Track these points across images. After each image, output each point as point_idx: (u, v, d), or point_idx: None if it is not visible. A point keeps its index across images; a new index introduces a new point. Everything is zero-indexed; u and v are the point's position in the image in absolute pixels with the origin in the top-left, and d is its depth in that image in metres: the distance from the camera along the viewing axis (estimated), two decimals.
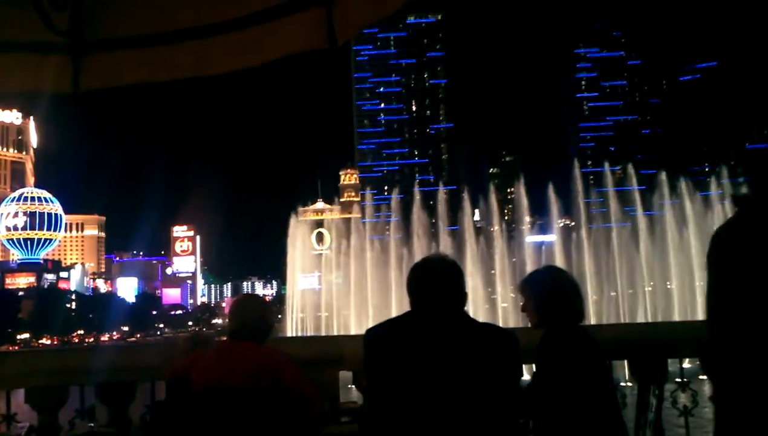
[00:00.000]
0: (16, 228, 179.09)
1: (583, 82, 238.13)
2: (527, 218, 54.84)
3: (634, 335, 5.85)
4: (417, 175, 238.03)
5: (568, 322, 4.06)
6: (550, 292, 4.11)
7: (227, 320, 4.61)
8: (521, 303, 4.29)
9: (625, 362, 5.57)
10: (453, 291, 3.58)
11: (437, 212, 59.94)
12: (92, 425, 5.37)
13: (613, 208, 48.01)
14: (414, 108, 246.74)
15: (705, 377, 5.27)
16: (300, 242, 61.17)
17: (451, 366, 3.35)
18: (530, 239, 51.73)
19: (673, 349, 5.57)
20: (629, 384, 5.92)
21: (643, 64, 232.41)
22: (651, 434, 4.87)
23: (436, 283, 3.57)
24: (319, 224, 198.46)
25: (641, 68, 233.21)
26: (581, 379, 3.89)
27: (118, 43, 4.32)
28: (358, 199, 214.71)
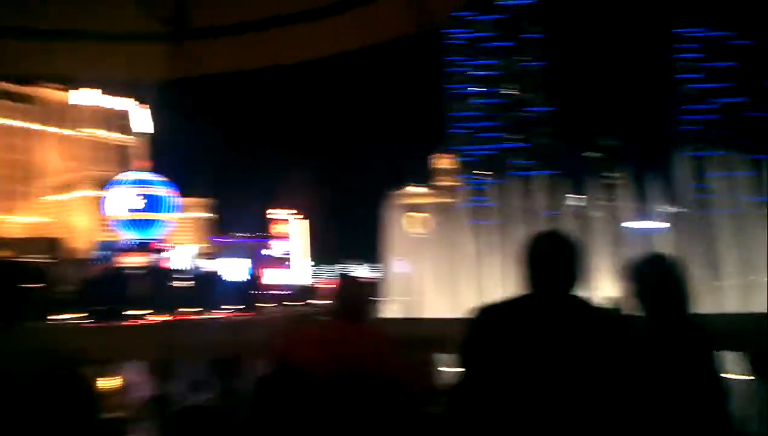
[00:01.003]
0: (130, 209, 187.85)
1: (687, 64, 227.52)
2: (629, 204, 53.16)
3: (749, 325, 5.61)
4: (513, 159, 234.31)
5: (674, 310, 3.95)
6: (656, 279, 3.99)
7: (331, 301, 4.73)
8: (623, 291, 4.17)
9: (742, 354, 5.35)
10: (569, 269, 3.39)
11: (534, 198, 58.75)
12: (202, 396, 5.63)
13: (721, 194, 45.79)
14: (510, 91, 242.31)
15: None
16: (395, 226, 61.45)
17: (560, 349, 3.18)
18: (632, 225, 50.11)
19: None
20: (748, 377, 5.69)
21: (756, 44, 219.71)
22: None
23: (550, 259, 3.38)
24: (414, 207, 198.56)
25: (751, 49, 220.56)
26: (686, 369, 3.79)
27: (220, 31, 4.50)
28: (453, 183, 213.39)
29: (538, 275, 3.38)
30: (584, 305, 3.36)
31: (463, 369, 3.34)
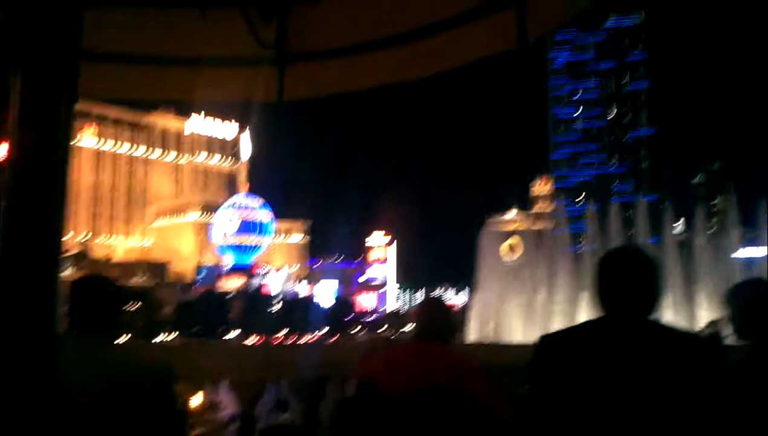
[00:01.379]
0: (229, 234, 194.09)
1: None
2: (736, 231, 50.74)
3: None
4: (615, 184, 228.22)
5: None
6: (757, 304, 3.80)
7: (414, 323, 4.69)
8: (725, 318, 4.01)
9: None
10: (647, 290, 3.06)
11: (636, 224, 57.09)
12: (286, 416, 5.67)
13: None
14: (613, 113, 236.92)
15: None
16: (489, 252, 60.89)
17: (636, 378, 2.84)
18: (739, 253, 47.74)
19: None
20: None
21: None
22: None
23: (625, 279, 3.06)
24: (510, 234, 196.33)
25: None
26: None
27: (320, 54, 4.57)
28: (550, 209, 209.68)
29: (612, 296, 3.06)
30: (665, 329, 3.04)
31: (529, 400, 3.04)
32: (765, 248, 45.88)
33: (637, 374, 2.84)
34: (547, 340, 3.12)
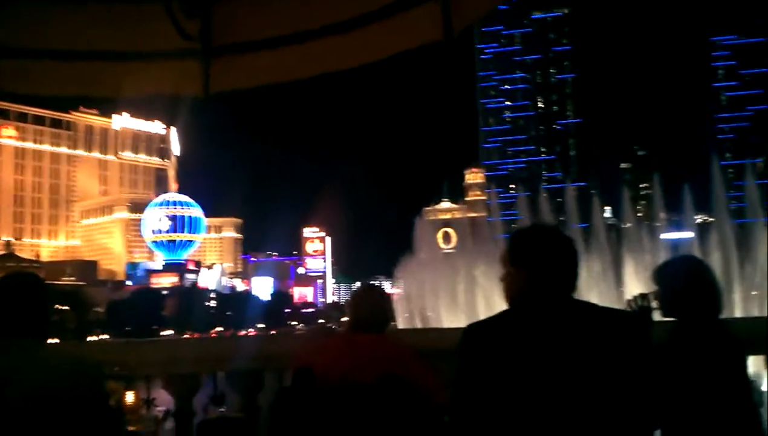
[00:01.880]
0: (160, 231, 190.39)
1: (720, 71, 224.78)
2: (662, 215, 52.48)
3: None
4: (544, 172, 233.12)
5: (704, 314, 3.84)
6: (686, 281, 3.88)
7: (347, 312, 4.68)
8: (653, 294, 4.02)
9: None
10: (571, 269, 2.95)
11: (566, 210, 58.51)
12: (223, 410, 5.64)
13: (756, 202, 45.07)
14: (540, 104, 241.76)
15: None
16: (426, 242, 61.32)
17: (566, 358, 2.77)
18: (665, 236, 49.44)
19: None
20: None
21: None
22: None
23: (546, 256, 2.94)
24: (445, 223, 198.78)
25: None
26: (716, 373, 3.68)
27: (245, 47, 4.54)
28: (484, 197, 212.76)
29: (537, 277, 2.93)
30: (590, 307, 2.96)
31: (460, 388, 2.94)
32: (691, 232, 47.61)
33: (566, 354, 2.79)
34: (474, 327, 3.00)
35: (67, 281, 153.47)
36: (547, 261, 2.95)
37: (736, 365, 3.76)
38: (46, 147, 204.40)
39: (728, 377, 3.70)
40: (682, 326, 3.86)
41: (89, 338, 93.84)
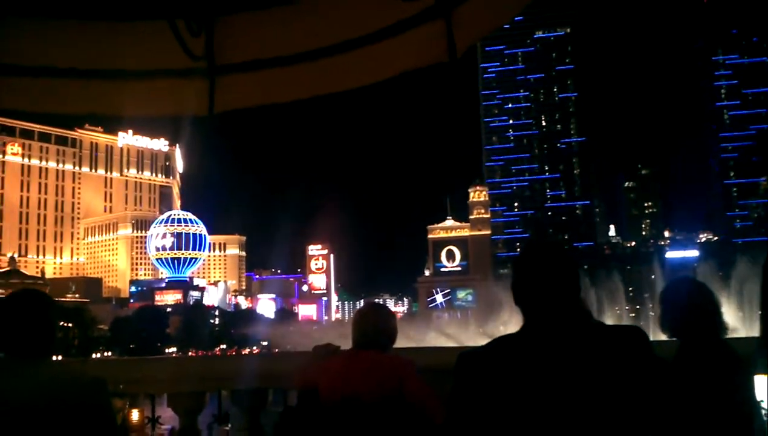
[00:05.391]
0: (164, 248, 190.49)
1: (723, 91, 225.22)
2: (666, 233, 52.56)
3: None
4: (548, 190, 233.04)
5: (707, 334, 3.92)
6: (689, 302, 3.99)
7: (352, 330, 4.66)
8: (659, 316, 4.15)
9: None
10: (566, 287, 2.83)
11: (570, 228, 58.38)
12: (227, 428, 5.62)
13: (760, 220, 45.18)
14: (543, 123, 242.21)
15: None
16: (430, 260, 61.23)
17: (571, 383, 2.65)
18: (670, 254, 49.44)
19: None
20: None
21: None
22: None
23: (541, 279, 2.82)
24: (450, 241, 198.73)
25: None
26: (720, 392, 3.71)
27: (249, 66, 4.56)
28: (487, 216, 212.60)
29: (529, 297, 2.84)
30: (588, 326, 2.86)
31: (454, 414, 2.84)
32: (695, 250, 47.54)
33: (563, 380, 2.68)
34: (468, 353, 2.87)
35: (71, 298, 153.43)
36: (540, 285, 2.83)
37: (739, 384, 3.79)
38: (51, 164, 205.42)
39: (730, 395, 3.73)
40: (686, 345, 3.94)
41: (93, 356, 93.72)
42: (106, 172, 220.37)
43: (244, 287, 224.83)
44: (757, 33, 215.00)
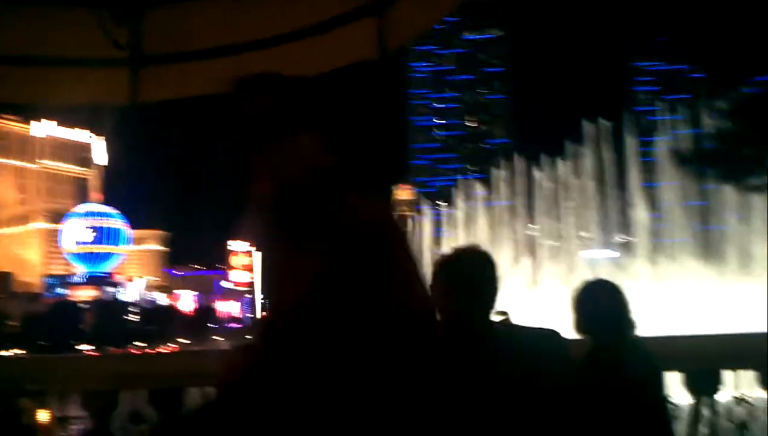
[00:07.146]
0: (84, 242, 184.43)
1: (642, 96, 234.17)
2: (582, 233, 54.13)
3: (688, 347, 5.72)
4: (473, 190, 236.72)
5: (617, 334, 3.99)
6: (599, 303, 4.06)
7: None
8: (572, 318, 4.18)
9: (679, 374, 5.42)
10: (485, 293, 2.83)
11: (493, 227, 59.49)
12: (141, 428, 5.49)
13: (673, 222, 47.01)
14: (470, 123, 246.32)
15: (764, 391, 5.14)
16: None
17: (483, 385, 2.64)
18: (586, 254, 50.96)
19: (728, 361, 5.42)
20: (685, 397, 5.79)
21: (709, 76, 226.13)
22: None
23: (462, 285, 2.80)
24: None
25: (705, 81, 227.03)
26: (629, 390, 3.80)
27: (174, 57, 4.46)
28: (413, 214, 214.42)
29: (455, 300, 2.80)
30: (506, 329, 2.94)
31: None
32: (607, 250, 49.19)
33: (480, 380, 2.66)
34: None
35: None
36: (454, 289, 2.81)
37: (650, 382, 3.89)
38: None
39: (641, 393, 3.82)
40: (596, 345, 4.02)
41: (2, 353, 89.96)
42: (25, 162, 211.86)
43: (163, 283, 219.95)
44: (675, 41, 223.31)
